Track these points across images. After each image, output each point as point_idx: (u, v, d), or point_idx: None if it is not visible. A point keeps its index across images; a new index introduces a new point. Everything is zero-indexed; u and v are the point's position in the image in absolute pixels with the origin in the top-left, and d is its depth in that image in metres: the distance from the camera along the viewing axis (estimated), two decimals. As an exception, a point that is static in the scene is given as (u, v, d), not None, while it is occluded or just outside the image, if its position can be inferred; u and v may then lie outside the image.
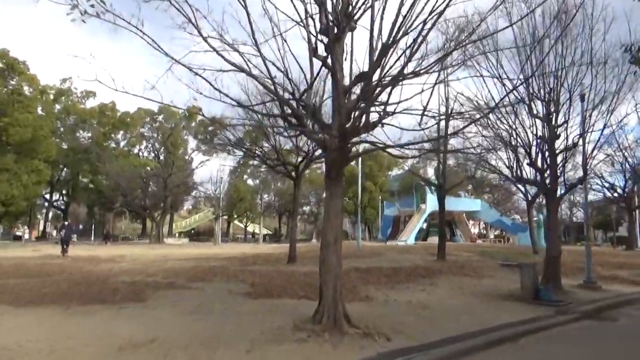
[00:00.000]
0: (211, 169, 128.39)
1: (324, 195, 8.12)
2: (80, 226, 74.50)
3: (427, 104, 7.70)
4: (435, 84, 7.76)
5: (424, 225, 44.28)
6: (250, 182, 66.87)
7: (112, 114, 59.91)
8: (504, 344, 7.61)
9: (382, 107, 7.82)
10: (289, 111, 7.76)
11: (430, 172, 41.02)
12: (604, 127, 14.63)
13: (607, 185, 36.94)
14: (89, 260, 20.57)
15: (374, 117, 7.81)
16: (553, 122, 13.91)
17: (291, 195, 66.27)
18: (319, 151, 19.61)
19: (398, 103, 8.03)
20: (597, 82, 13.70)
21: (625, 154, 30.43)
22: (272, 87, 7.87)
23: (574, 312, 10.55)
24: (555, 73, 13.63)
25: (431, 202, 39.58)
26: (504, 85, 13.35)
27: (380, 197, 60.06)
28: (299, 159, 20.55)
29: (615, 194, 38.17)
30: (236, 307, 9.65)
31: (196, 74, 7.13)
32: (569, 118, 14.15)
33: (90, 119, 60.27)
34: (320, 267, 7.82)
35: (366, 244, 34.77)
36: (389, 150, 8.03)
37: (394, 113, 7.86)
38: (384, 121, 7.72)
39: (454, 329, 8.06)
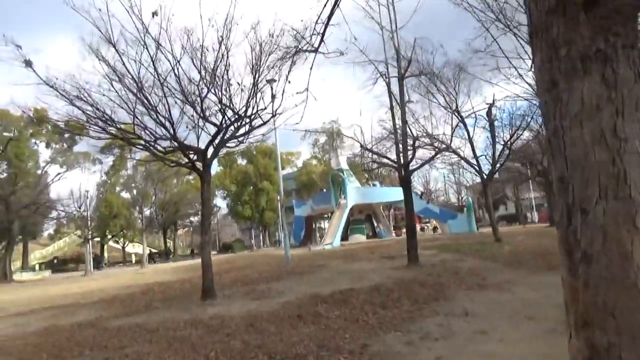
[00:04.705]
0: (72, 183, 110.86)
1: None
2: None
3: None
4: None
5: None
6: (125, 194, 56.44)
7: None
8: None
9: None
10: None
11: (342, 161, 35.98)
12: None
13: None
14: None
15: None
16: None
17: (176, 205, 56.26)
18: (237, 124, 12.72)
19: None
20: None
21: None
22: None
23: None
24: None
25: (352, 195, 34.38)
26: None
27: (278, 198, 52.70)
28: (204, 144, 13.55)
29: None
30: None
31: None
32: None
33: None
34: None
35: (281, 252, 28.07)
36: None
37: None
38: None
39: None
